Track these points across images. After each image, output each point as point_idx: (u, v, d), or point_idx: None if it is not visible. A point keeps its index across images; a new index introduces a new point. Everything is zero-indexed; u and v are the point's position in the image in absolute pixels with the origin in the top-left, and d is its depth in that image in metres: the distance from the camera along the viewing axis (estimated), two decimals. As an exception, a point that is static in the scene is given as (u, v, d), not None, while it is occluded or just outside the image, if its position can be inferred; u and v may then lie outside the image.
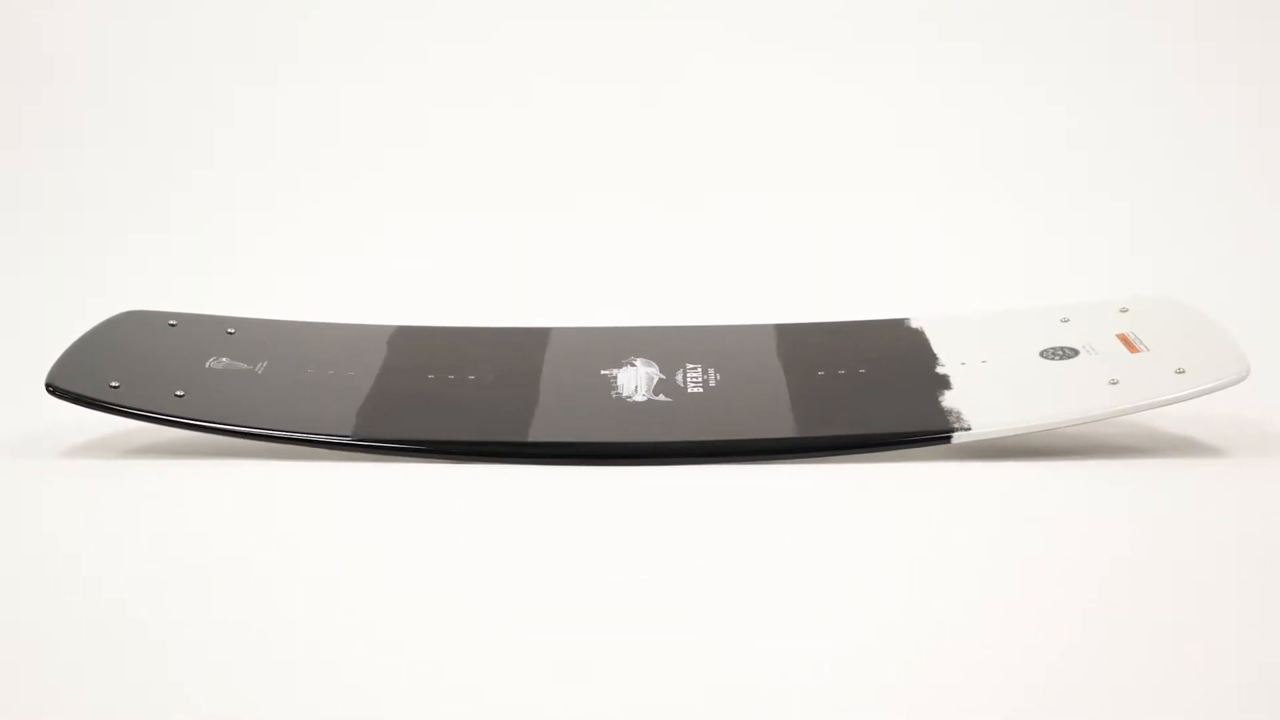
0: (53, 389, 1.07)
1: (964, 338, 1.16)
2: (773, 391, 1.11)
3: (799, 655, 0.77)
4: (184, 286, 1.45)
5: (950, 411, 1.07)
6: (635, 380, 1.13)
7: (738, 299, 1.43)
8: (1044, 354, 1.13)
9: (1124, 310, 1.16)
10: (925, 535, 0.94)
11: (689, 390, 1.12)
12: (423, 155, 1.57)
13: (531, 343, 1.19)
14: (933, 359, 1.14)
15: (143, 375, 1.10)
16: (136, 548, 0.92)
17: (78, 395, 1.07)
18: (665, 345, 1.17)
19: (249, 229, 1.54)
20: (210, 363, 1.14)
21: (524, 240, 1.53)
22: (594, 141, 1.57)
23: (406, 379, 1.14)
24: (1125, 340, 1.12)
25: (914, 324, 1.19)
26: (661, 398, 1.11)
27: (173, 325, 1.18)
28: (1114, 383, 1.07)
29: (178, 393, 1.09)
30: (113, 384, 1.08)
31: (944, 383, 1.11)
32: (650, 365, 1.14)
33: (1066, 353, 1.12)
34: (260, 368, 1.14)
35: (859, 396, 1.10)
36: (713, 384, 1.13)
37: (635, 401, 1.11)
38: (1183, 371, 1.06)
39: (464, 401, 1.11)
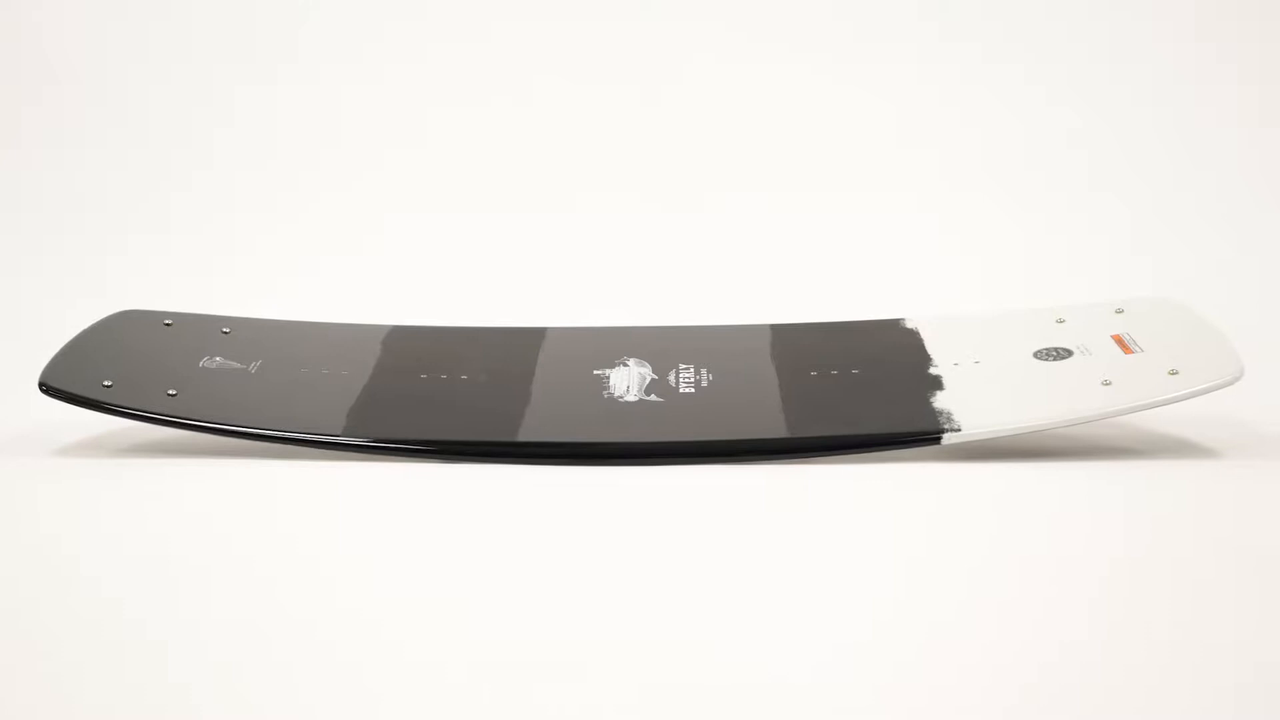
0: (46, 388, 1.08)
1: (959, 338, 1.16)
2: (764, 392, 1.11)
3: (790, 656, 0.77)
4: (182, 286, 1.45)
5: (941, 412, 1.07)
6: (627, 380, 1.13)
7: (735, 299, 1.43)
8: (1038, 355, 1.12)
9: (1119, 311, 1.15)
10: (919, 536, 0.94)
11: (680, 390, 1.12)
12: (421, 155, 1.57)
13: (526, 343, 1.19)
14: (926, 359, 1.14)
15: (136, 374, 1.10)
16: (129, 547, 0.92)
17: (71, 394, 1.07)
18: (659, 345, 1.17)
19: (248, 229, 1.54)
20: (204, 362, 1.14)
21: (522, 240, 1.53)
22: (593, 141, 1.57)
23: (399, 378, 1.14)
24: (1120, 341, 1.12)
25: (909, 324, 1.19)
26: (653, 398, 1.11)
27: (168, 325, 1.18)
28: (1107, 384, 1.07)
29: (170, 392, 1.09)
30: (105, 383, 1.08)
31: (936, 383, 1.10)
32: (643, 365, 1.14)
33: (1060, 354, 1.12)
34: (254, 367, 1.14)
35: (851, 397, 1.10)
36: (705, 384, 1.12)
37: (626, 402, 1.11)
38: (1176, 373, 1.06)
39: (455, 401, 1.11)
